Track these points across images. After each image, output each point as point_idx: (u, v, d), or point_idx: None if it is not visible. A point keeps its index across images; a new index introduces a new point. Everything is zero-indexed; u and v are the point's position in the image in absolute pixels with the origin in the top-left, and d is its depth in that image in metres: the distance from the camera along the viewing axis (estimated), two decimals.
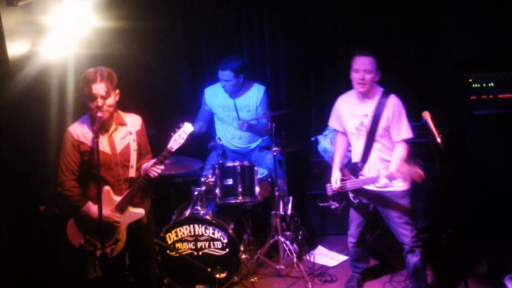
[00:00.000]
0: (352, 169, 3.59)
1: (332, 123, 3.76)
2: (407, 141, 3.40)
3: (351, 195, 3.59)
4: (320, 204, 3.77)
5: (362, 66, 3.33)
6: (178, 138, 3.13)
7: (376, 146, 3.46)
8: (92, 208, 3.14)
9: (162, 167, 3.15)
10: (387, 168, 3.33)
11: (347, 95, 3.62)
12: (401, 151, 3.39)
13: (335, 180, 3.63)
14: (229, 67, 4.33)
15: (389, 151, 3.48)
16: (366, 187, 3.54)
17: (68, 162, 3.12)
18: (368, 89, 3.39)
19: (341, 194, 3.65)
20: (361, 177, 3.53)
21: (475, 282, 3.87)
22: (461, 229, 4.48)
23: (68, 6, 3.47)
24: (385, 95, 3.42)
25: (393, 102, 3.38)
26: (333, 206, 3.72)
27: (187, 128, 3.14)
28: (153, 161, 3.17)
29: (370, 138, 3.44)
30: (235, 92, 4.51)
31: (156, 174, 3.13)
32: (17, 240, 3.12)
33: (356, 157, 3.59)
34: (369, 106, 3.43)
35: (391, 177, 3.28)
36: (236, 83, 4.43)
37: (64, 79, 3.72)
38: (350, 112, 3.53)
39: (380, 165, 3.45)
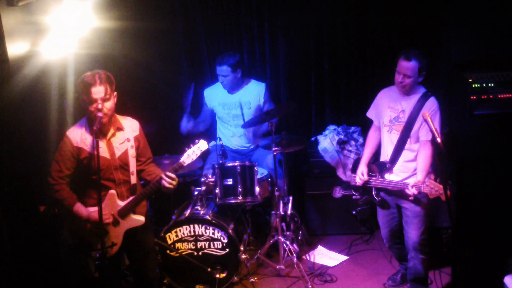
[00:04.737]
0: (380, 167, 3.61)
1: (370, 113, 3.82)
2: (432, 143, 3.16)
3: (374, 192, 3.65)
4: (342, 191, 3.88)
5: (403, 70, 3.40)
6: (192, 153, 3.19)
7: (407, 146, 3.50)
8: (82, 209, 3.14)
9: (174, 182, 3.17)
10: (415, 176, 3.39)
11: (390, 88, 3.66)
12: (426, 152, 3.42)
13: (361, 172, 3.65)
14: (226, 62, 4.38)
15: (415, 155, 3.51)
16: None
17: (60, 168, 3.11)
18: (407, 90, 3.47)
19: (364, 188, 3.71)
20: (386, 177, 3.57)
21: (475, 282, 3.86)
22: (461, 229, 4.49)
23: (68, 6, 3.47)
24: (426, 95, 3.47)
25: (431, 103, 3.44)
26: (354, 197, 3.78)
27: (202, 146, 3.20)
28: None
29: (404, 134, 3.47)
30: (233, 87, 4.56)
31: (170, 187, 3.15)
32: (17, 240, 3.11)
33: (385, 155, 3.62)
34: (408, 103, 3.50)
35: (418, 188, 3.30)
36: (234, 78, 4.48)
37: (64, 79, 3.72)
38: (389, 105, 3.59)
39: (408, 166, 3.51)
